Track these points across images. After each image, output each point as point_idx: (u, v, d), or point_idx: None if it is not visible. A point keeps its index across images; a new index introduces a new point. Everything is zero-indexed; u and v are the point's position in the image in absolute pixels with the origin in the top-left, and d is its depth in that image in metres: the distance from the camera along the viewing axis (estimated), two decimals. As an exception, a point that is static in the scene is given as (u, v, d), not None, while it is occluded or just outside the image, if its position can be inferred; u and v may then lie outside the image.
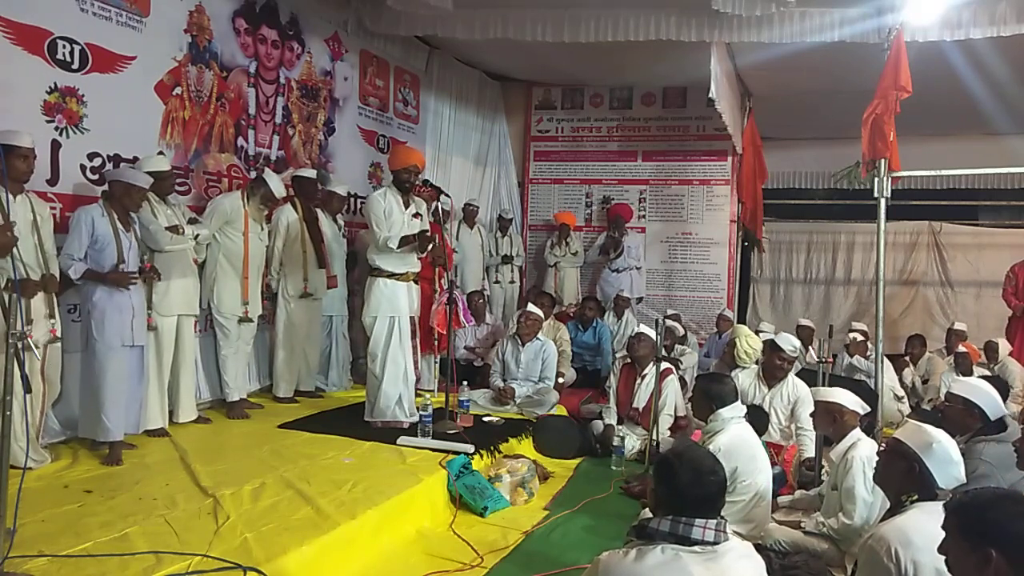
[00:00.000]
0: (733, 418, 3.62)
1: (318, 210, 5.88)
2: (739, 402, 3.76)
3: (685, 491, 1.95)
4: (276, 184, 5.16)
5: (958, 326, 7.54)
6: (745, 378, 4.96)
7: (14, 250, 3.36)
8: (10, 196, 3.55)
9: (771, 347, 4.89)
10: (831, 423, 3.53)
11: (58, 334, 3.81)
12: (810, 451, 4.36)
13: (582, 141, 9.37)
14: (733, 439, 3.53)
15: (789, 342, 4.84)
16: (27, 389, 2.80)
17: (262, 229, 5.23)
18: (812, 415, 3.73)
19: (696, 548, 1.90)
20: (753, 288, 10.17)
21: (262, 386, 5.72)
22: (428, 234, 4.77)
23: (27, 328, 3.49)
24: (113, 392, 3.96)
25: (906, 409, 6.26)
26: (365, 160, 7.16)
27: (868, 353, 6.69)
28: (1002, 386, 4.60)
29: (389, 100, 7.52)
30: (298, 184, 5.59)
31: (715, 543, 1.91)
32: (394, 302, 4.86)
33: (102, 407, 3.92)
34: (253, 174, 5.54)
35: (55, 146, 4.16)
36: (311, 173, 5.77)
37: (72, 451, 4.05)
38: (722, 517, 1.98)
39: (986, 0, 5.30)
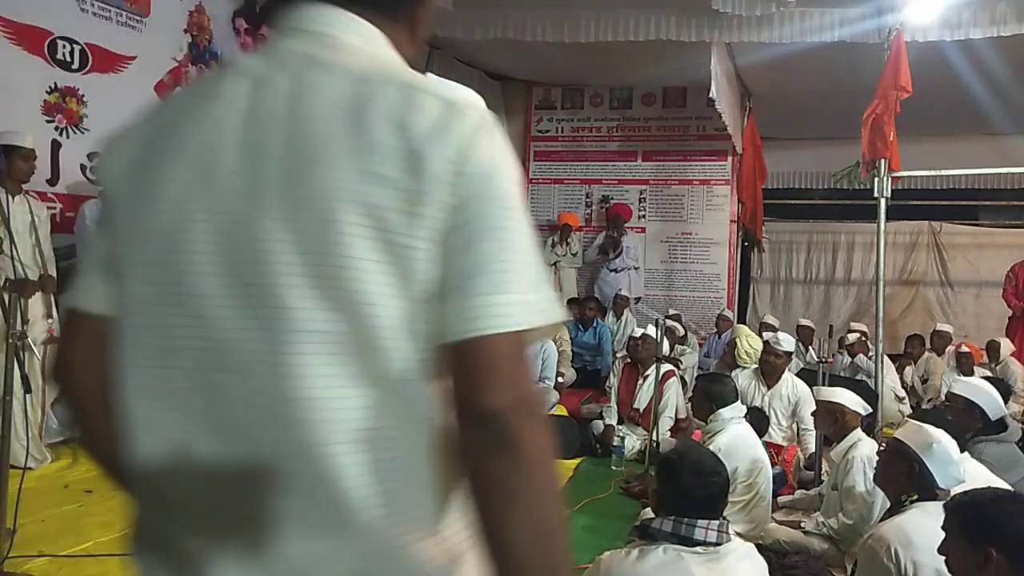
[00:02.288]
0: (733, 418, 3.62)
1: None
2: (739, 402, 3.76)
3: (687, 492, 1.95)
4: None
5: (942, 327, 7.53)
6: (745, 379, 4.96)
7: (14, 250, 3.37)
8: (9, 196, 3.55)
9: (764, 346, 4.93)
10: (832, 423, 3.53)
11: (56, 334, 3.81)
12: (812, 449, 4.37)
13: (582, 141, 9.37)
14: (734, 439, 3.53)
15: (781, 338, 4.90)
16: (27, 389, 2.79)
17: None
18: (813, 414, 3.73)
19: (698, 549, 1.90)
20: (753, 288, 10.17)
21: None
22: None
23: (24, 328, 3.51)
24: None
25: (907, 410, 6.25)
26: (365, 160, 7.16)
27: (869, 353, 6.69)
28: (1004, 387, 4.60)
29: (389, 100, 7.52)
30: None
31: (717, 544, 1.92)
32: None
33: (102, 407, 3.92)
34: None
35: (55, 146, 4.17)
36: None
37: (72, 451, 4.05)
38: (724, 518, 1.99)
39: (986, 0, 5.30)
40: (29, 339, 3.30)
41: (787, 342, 4.92)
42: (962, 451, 2.79)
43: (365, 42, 0.86)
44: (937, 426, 2.52)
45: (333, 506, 0.73)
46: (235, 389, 0.77)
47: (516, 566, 0.71)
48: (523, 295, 0.75)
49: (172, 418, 0.80)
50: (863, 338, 6.96)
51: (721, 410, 3.62)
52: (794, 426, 4.83)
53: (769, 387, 4.84)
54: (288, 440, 0.74)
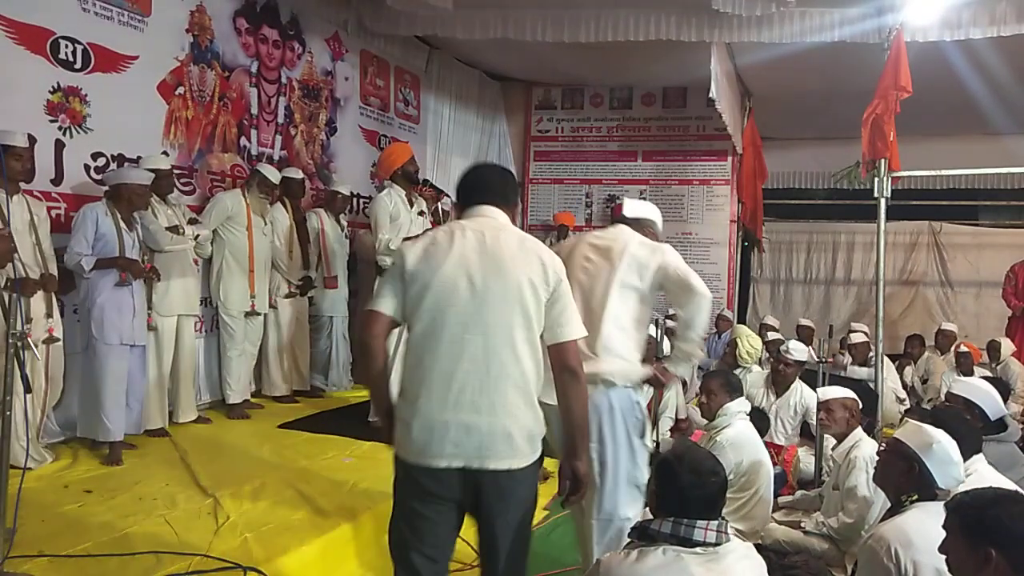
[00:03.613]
0: (739, 412, 3.65)
1: (321, 210, 5.90)
2: (743, 398, 3.78)
3: (686, 493, 1.95)
4: (270, 171, 5.22)
5: (947, 326, 7.52)
6: (752, 383, 4.96)
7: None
8: (7, 197, 3.54)
9: (775, 354, 4.92)
10: (848, 419, 3.53)
11: (56, 334, 3.81)
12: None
13: (582, 141, 9.37)
14: (739, 434, 3.55)
15: (792, 346, 4.89)
16: (27, 389, 2.80)
17: (265, 224, 5.24)
18: (825, 415, 3.66)
19: (697, 549, 1.91)
20: (753, 288, 10.17)
21: (254, 389, 5.61)
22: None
23: (26, 327, 3.50)
24: (113, 392, 3.96)
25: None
26: (367, 160, 7.16)
27: (869, 354, 6.68)
28: (1003, 387, 4.60)
29: (390, 100, 7.52)
30: (286, 184, 5.59)
31: (716, 544, 1.92)
32: None
33: (102, 407, 3.93)
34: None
35: (59, 146, 4.16)
36: (297, 173, 5.77)
37: (72, 451, 4.06)
38: (723, 518, 1.99)
39: (986, 0, 5.30)
40: (30, 339, 3.32)
41: (799, 351, 4.91)
42: (977, 452, 2.80)
43: (506, 221, 2.24)
44: (953, 426, 2.53)
45: (522, 384, 2.08)
46: (479, 342, 2.05)
47: (580, 418, 2.19)
48: (579, 325, 2.18)
49: (447, 351, 2.06)
50: (863, 339, 6.94)
51: (730, 404, 3.64)
52: (798, 430, 4.83)
53: (778, 395, 4.84)
54: (503, 362, 2.05)
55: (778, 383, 4.86)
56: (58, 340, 3.83)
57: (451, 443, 2.03)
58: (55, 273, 3.83)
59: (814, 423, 4.47)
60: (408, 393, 2.13)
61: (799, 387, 4.81)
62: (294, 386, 5.71)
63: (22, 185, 3.73)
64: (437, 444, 2.04)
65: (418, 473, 2.09)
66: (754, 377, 5.09)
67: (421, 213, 4.92)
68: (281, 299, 5.53)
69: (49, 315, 3.78)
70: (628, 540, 2.09)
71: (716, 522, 1.95)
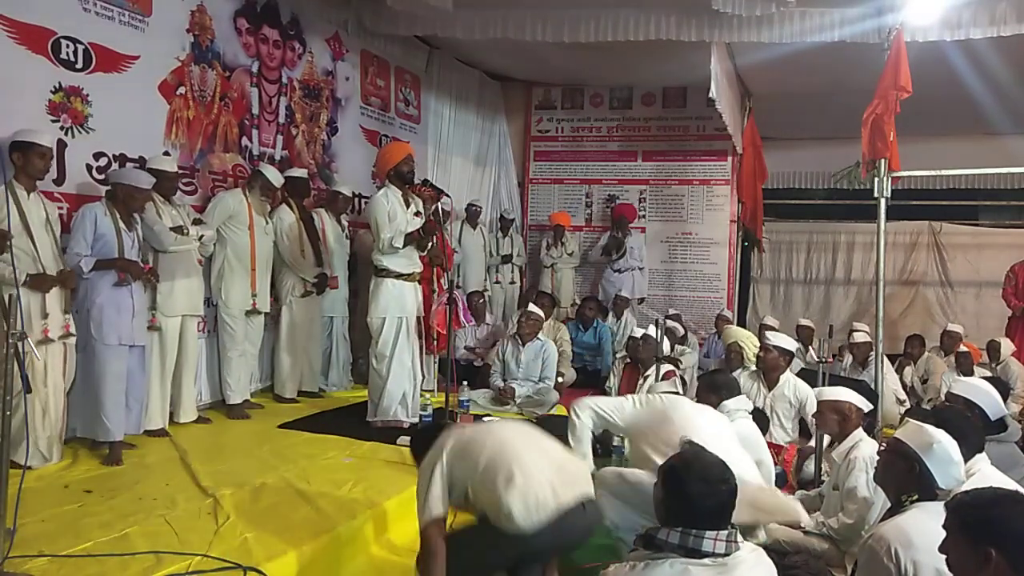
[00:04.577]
0: (739, 410, 3.63)
1: (323, 210, 5.90)
2: (743, 397, 3.77)
3: (696, 502, 1.88)
4: (272, 173, 5.21)
5: (952, 328, 7.48)
6: (746, 380, 4.96)
7: (33, 245, 3.52)
8: (24, 193, 3.64)
9: (761, 347, 4.94)
10: (839, 422, 3.51)
11: (72, 330, 3.82)
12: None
13: (582, 141, 9.37)
14: (740, 430, 3.53)
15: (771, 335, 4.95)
16: (27, 389, 2.80)
17: (267, 223, 5.24)
18: (816, 416, 3.67)
19: (706, 561, 1.85)
20: (753, 288, 10.17)
21: (263, 386, 5.70)
22: (429, 227, 4.79)
23: (44, 323, 3.61)
24: (113, 392, 3.96)
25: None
26: (368, 160, 7.15)
27: (869, 355, 6.67)
28: (1003, 387, 4.60)
29: (391, 100, 7.52)
30: (291, 184, 5.59)
31: (726, 554, 1.86)
32: (402, 302, 4.87)
33: (102, 407, 3.93)
34: (258, 174, 5.55)
35: (61, 146, 4.16)
36: (302, 173, 5.77)
37: (72, 451, 4.05)
38: (733, 526, 1.93)
39: (986, 0, 5.30)
40: (48, 335, 3.51)
41: (780, 339, 4.91)
42: (980, 451, 2.80)
43: None
44: (956, 425, 2.52)
45: (583, 478, 2.72)
46: (527, 439, 2.73)
47: None
48: None
49: (511, 445, 2.63)
50: (864, 338, 6.93)
51: (727, 402, 3.63)
52: (797, 427, 4.83)
53: (770, 388, 4.83)
54: (551, 446, 2.78)
55: (764, 373, 4.85)
56: (74, 336, 3.84)
57: (554, 488, 2.51)
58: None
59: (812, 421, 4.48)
60: (496, 490, 2.47)
61: (791, 380, 4.81)
62: (303, 386, 5.73)
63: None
64: (546, 495, 2.48)
65: (524, 534, 2.44)
66: (747, 374, 5.08)
67: (417, 214, 4.92)
68: (297, 299, 5.53)
69: (66, 312, 3.80)
70: (633, 548, 2.02)
71: (725, 532, 1.88)
